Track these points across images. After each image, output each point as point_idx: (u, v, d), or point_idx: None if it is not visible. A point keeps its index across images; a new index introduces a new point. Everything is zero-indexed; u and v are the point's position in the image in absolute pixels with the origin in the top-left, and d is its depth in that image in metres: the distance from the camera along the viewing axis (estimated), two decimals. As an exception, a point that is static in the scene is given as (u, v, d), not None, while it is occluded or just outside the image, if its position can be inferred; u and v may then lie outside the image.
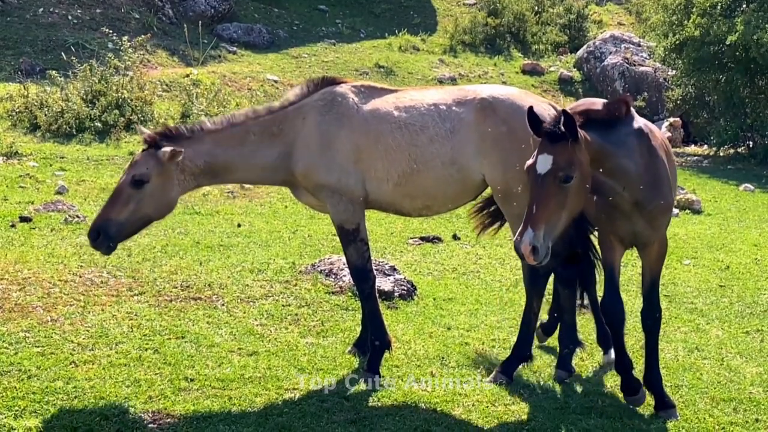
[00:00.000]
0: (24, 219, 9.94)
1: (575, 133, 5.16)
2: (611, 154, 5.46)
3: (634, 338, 7.67)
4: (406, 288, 8.43)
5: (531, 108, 5.40)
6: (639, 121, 5.81)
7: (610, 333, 6.28)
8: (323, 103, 6.48)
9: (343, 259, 7.35)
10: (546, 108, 6.33)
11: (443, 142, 6.41)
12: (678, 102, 21.98)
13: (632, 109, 5.83)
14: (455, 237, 11.11)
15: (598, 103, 6.39)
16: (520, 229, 5.14)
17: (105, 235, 6.16)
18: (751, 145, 20.77)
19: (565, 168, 5.15)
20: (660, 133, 6.16)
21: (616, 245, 5.96)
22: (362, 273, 6.61)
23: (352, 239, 6.54)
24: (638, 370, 6.76)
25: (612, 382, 6.69)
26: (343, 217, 6.49)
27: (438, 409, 6.00)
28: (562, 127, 5.15)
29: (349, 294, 8.14)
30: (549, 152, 5.18)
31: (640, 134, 5.71)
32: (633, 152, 5.59)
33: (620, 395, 6.42)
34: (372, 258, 6.76)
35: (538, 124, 5.32)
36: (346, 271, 7.84)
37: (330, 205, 6.49)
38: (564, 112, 5.18)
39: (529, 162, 5.28)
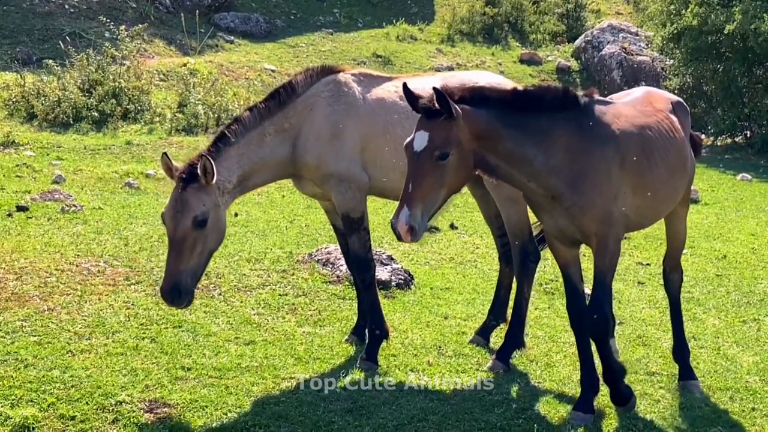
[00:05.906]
0: (21, 208, 9.91)
1: (449, 110, 4.99)
2: (506, 138, 5.20)
3: (630, 327, 7.69)
4: (403, 277, 8.43)
5: (405, 84, 5.22)
6: (587, 118, 5.43)
7: (575, 339, 5.95)
8: (330, 94, 6.45)
9: (340, 248, 7.34)
10: None
11: None
12: (676, 91, 21.91)
13: (593, 104, 5.51)
14: (452, 226, 11.10)
15: (635, 90, 6.34)
16: (396, 208, 4.98)
17: (185, 290, 5.84)
18: (748, 135, 20.75)
19: (441, 145, 4.98)
20: (642, 136, 5.66)
21: (556, 243, 5.75)
22: (364, 262, 6.62)
23: (356, 228, 6.54)
24: (638, 360, 6.78)
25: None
26: (350, 206, 6.49)
27: (435, 398, 6.00)
28: (437, 104, 5.01)
29: (346, 283, 8.14)
30: (425, 129, 5.04)
31: (577, 130, 5.38)
32: (551, 145, 5.29)
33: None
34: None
35: (414, 100, 5.15)
36: (343, 260, 7.83)
37: (336, 194, 6.47)
38: (434, 89, 5.00)
39: (408, 139, 5.14)
